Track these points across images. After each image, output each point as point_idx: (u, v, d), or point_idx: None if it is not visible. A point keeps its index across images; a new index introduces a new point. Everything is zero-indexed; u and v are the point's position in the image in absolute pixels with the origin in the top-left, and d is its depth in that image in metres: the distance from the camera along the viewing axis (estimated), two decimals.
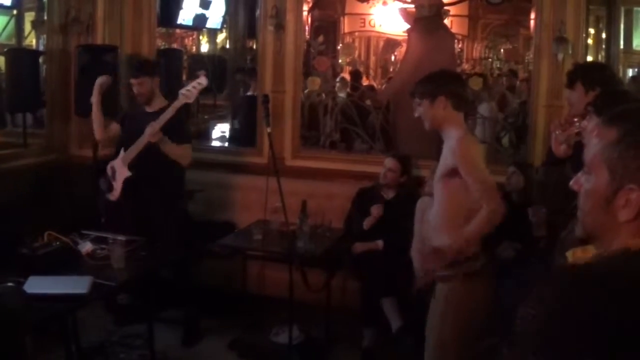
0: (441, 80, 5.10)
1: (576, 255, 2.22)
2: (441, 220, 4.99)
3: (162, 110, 7.21)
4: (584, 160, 2.12)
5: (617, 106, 2.14)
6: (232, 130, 12.05)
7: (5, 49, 11.12)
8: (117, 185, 7.39)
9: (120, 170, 7.33)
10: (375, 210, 7.48)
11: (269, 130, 6.84)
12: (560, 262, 3.57)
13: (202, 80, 7.26)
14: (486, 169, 4.98)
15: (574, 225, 2.30)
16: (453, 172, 4.83)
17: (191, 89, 7.16)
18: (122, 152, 7.32)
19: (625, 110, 2.09)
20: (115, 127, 7.64)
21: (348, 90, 10.22)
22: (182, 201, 7.72)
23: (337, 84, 9.16)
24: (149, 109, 7.40)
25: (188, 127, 7.99)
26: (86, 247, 6.42)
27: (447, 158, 4.91)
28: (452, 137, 4.89)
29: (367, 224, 7.49)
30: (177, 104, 7.08)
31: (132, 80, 7.43)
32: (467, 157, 4.82)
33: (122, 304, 7.59)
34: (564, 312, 1.79)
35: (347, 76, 13.80)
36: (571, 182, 2.18)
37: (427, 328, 5.20)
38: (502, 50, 19.35)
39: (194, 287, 7.66)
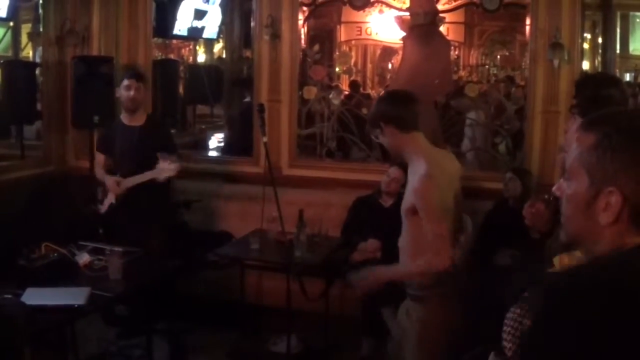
0: (378, 108, 5.03)
1: (562, 261, 2.23)
2: (408, 248, 4.93)
3: (142, 127, 7.40)
4: (565, 165, 2.14)
5: (600, 109, 2.17)
6: (227, 138, 12.07)
7: (1, 61, 11.13)
8: (105, 204, 7.52)
9: (110, 194, 7.46)
10: (372, 246, 7.43)
11: (265, 139, 6.85)
12: (547, 268, 3.58)
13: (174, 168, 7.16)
14: (449, 204, 4.85)
15: (559, 232, 2.31)
16: (415, 210, 4.73)
17: (163, 172, 7.12)
18: (116, 176, 7.39)
19: (602, 115, 2.12)
20: (101, 158, 7.73)
21: (342, 98, 10.20)
22: (172, 211, 7.73)
23: (332, 93, 9.12)
24: (128, 122, 7.46)
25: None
26: (84, 258, 6.42)
27: (409, 194, 4.82)
28: (415, 173, 4.76)
29: (358, 257, 7.42)
30: (150, 174, 7.15)
31: (132, 83, 7.36)
32: (426, 199, 4.69)
33: (120, 315, 7.59)
34: (558, 323, 1.80)
35: (344, 85, 13.83)
36: (554, 188, 2.20)
37: (398, 346, 5.20)
38: (498, 57, 19.38)
39: (185, 298, 7.64)
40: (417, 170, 4.75)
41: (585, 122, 2.10)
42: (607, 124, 2.03)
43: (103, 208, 7.49)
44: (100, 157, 7.69)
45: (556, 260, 2.22)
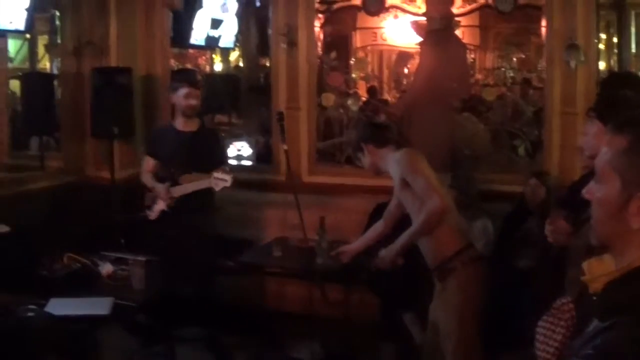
0: (357, 135, 6.02)
1: (592, 265, 2.21)
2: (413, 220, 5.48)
3: (196, 133, 7.34)
4: (595, 168, 2.13)
5: (617, 111, 2.14)
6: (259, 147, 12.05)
7: (20, 73, 11.20)
8: (156, 210, 7.40)
9: (159, 201, 7.36)
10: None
11: (285, 147, 6.84)
12: (573, 272, 3.58)
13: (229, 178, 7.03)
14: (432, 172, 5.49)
15: (582, 233, 2.30)
16: (405, 183, 5.38)
17: (219, 182, 7.02)
18: (166, 185, 7.27)
19: (633, 116, 2.09)
20: (150, 163, 7.59)
21: (360, 104, 10.24)
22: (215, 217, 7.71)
23: (351, 99, 9.16)
24: (182, 127, 7.38)
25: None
26: (106, 268, 6.47)
27: (395, 172, 5.51)
28: (393, 157, 5.56)
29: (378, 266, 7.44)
30: (206, 183, 7.07)
31: (190, 91, 7.28)
32: (406, 161, 5.44)
33: (143, 323, 7.60)
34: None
35: (362, 91, 13.83)
36: (583, 191, 2.18)
37: (440, 326, 5.40)
38: (514, 59, 19.33)
39: (207, 305, 7.65)
40: (394, 155, 5.56)
41: (616, 124, 2.07)
42: (639, 126, 2.01)
43: (153, 215, 7.40)
44: (149, 162, 7.57)
45: (585, 266, 2.20)
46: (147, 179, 7.51)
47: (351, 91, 11.23)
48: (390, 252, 5.54)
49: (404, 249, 5.49)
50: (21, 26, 7.77)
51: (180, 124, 7.41)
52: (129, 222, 8.04)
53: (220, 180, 6.94)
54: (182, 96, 7.26)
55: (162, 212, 7.33)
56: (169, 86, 7.55)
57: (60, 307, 5.53)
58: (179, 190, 7.18)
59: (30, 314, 5.36)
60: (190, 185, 7.12)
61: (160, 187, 7.26)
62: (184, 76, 8.38)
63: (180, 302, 6.77)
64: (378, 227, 6.18)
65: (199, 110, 7.47)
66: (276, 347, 7.73)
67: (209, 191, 7.13)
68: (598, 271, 2.13)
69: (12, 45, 11.55)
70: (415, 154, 5.57)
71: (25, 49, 13.66)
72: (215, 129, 8.73)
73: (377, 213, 7.71)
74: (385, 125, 6.00)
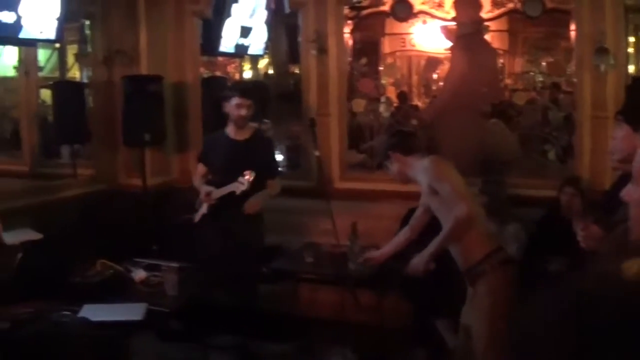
0: (385, 144, 6.04)
1: (632, 269, 2.19)
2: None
3: (249, 140, 7.32)
4: (632, 171, 2.11)
5: None
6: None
7: (51, 82, 11.26)
8: (199, 213, 7.40)
9: (203, 205, 7.37)
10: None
11: (317, 153, 6.84)
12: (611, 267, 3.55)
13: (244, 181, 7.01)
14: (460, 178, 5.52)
15: (614, 235, 2.29)
16: (433, 190, 5.42)
17: (239, 185, 7.00)
18: (212, 189, 7.26)
19: None
20: (202, 169, 7.60)
21: (392, 109, 10.25)
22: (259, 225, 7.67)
23: (382, 105, 9.16)
24: (234, 135, 7.35)
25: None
26: (139, 274, 6.50)
27: (422, 180, 5.55)
28: (421, 163, 5.58)
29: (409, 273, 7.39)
30: (229, 188, 7.04)
31: (242, 101, 7.21)
32: (434, 169, 5.47)
33: (176, 330, 7.62)
34: None
35: (392, 97, 13.81)
36: (621, 193, 2.17)
37: (471, 330, 5.41)
38: (543, 63, 19.25)
39: (239, 312, 7.65)
40: (422, 162, 5.57)
41: None
42: None
43: (197, 217, 7.40)
44: (201, 168, 7.59)
45: (628, 267, 2.19)
46: (197, 183, 7.52)
47: (383, 97, 11.22)
48: (422, 259, 5.56)
49: (434, 255, 5.50)
50: (52, 35, 7.82)
51: (232, 132, 7.37)
52: (166, 227, 8.09)
53: (239, 184, 6.97)
54: (233, 106, 7.22)
55: (203, 215, 7.34)
56: (222, 95, 7.48)
57: (93, 313, 5.55)
58: (216, 193, 7.19)
59: (64, 319, 5.41)
60: (225, 188, 7.11)
61: (203, 189, 7.30)
62: (235, 86, 8.36)
63: (213, 309, 6.79)
64: (405, 233, 6.21)
65: (247, 121, 7.36)
66: (308, 353, 7.73)
67: (250, 195, 7.11)
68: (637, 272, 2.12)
69: (42, 55, 11.61)
70: (443, 161, 5.60)
71: (54, 58, 13.72)
72: (268, 137, 8.69)
73: (408, 218, 7.71)
74: (412, 133, 6.02)
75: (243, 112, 7.19)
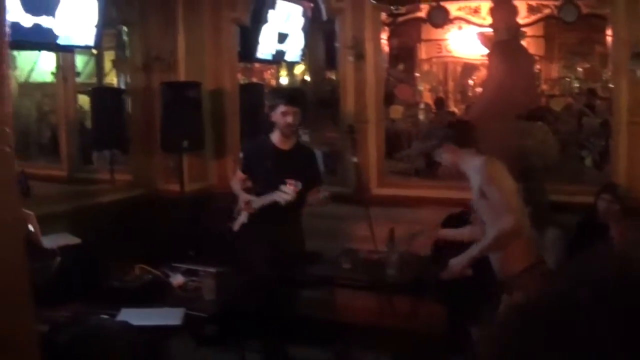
0: (440, 133, 5.86)
1: None
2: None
3: (292, 150, 7.19)
4: None
5: None
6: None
7: (89, 88, 11.35)
8: (238, 221, 7.32)
9: (243, 214, 7.27)
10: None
11: (355, 160, 6.78)
12: None
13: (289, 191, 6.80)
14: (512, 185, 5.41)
15: None
16: (483, 192, 5.30)
17: (285, 195, 6.76)
18: (252, 197, 7.18)
19: None
20: (240, 175, 7.49)
21: (432, 116, 10.25)
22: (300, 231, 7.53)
23: (421, 111, 9.16)
24: (279, 144, 7.19)
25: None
26: (177, 279, 6.54)
27: (474, 179, 5.40)
28: (474, 163, 5.44)
29: (447, 275, 7.30)
30: (271, 198, 6.88)
31: (288, 109, 7.03)
32: (487, 172, 5.34)
33: (214, 334, 7.64)
34: None
35: (430, 103, 13.81)
36: None
37: None
38: (579, 69, 19.17)
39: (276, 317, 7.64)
40: (476, 162, 5.43)
41: None
42: None
43: (236, 225, 7.32)
44: (239, 173, 7.51)
45: None
46: (236, 188, 7.43)
47: (421, 104, 11.23)
48: (460, 261, 5.52)
49: (473, 261, 5.46)
50: (90, 42, 7.91)
51: (278, 140, 7.20)
52: (204, 232, 8.12)
53: (283, 194, 6.78)
54: (280, 114, 7.04)
55: (242, 224, 7.26)
56: (267, 104, 7.38)
57: (131, 317, 5.59)
58: (256, 203, 7.09)
59: (104, 323, 5.45)
60: (264, 198, 7.00)
61: (242, 197, 7.23)
62: (281, 93, 8.29)
63: (250, 314, 6.81)
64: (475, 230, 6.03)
65: (295, 129, 7.26)
66: (345, 358, 7.74)
67: (295, 205, 6.99)
68: None
69: (79, 61, 11.70)
70: (497, 164, 5.50)
71: (92, 64, 13.82)
72: (311, 147, 8.62)
73: (446, 224, 7.69)
74: (469, 125, 5.88)
75: (290, 119, 6.99)
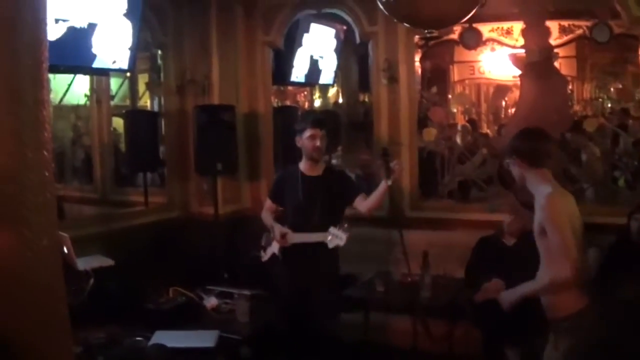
0: (512, 142, 5.37)
1: None
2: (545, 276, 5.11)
3: (322, 177, 7.05)
4: None
5: None
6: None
7: (123, 111, 11.44)
8: (268, 252, 7.20)
9: (274, 244, 7.10)
10: (495, 286, 6.81)
11: (389, 183, 6.73)
12: None
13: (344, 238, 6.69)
14: (572, 227, 5.00)
15: None
16: (544, 230, 4.96)
17: (334, 239, 6.68)
18: (288, 230, 6.96)
19: None
20: (270, 204, 7.34)
21: (469, 138, 10.22)
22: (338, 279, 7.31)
23: (458, 134, 9.14)
24: (308, 172, 7.07)
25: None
26: (211, 301, 6.57)
27: (537, 214, 5.04)
28: (541, 195, 5.03)
29: (481, 297, 7.26)
30: (320, 237, 6.72)
31: (316, 132, 6.94)
32: (550, 211, 4.93)
33: (248, 357, 7.63)
34: None
35: (467, 125, 13.76)
36: None
37: None
38: (612, 89, 19.07)
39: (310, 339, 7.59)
40: (542, 193, 5.02)
41: None
42: None
43: (265, 256, 7.20)
44: (269, 203, 7.35)
45: None
46: (267, 218, 7.27)
47: (459, 125, 11.19)
48: (510, 298, 5.34)
49: (524, 298, 5.30)
50: (124, 65, 7.97)
51: (306, 168, 7.11)
52: (237, 255, 8.14)
53: (334, 237, 6.65)
54: (307, 138, 6.96)
55: (273, 254, 7.11)
56: (295, 129, 7.19)
57: (165, 339, 5.62)
58: (296, 238, 6.91)
59: (139, 345, 5.48)
60: (305, 235, 6.83)
61: (278, 229, 6.98)
62: (307, 117, 8.25)
63: (284, 336, 6.81)
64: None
65: (322, 153, 7.12)
66: None
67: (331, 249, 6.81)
68: None
69: (113, 83, 11.78)
70: (562, 201, 5.08)
71: (125, 87, 13.92)
72: (343, 170, 8.56)
73: (479, 248, 7.67)
74: (541, 138, 5.40)
75: (317, 142, 6.90)
